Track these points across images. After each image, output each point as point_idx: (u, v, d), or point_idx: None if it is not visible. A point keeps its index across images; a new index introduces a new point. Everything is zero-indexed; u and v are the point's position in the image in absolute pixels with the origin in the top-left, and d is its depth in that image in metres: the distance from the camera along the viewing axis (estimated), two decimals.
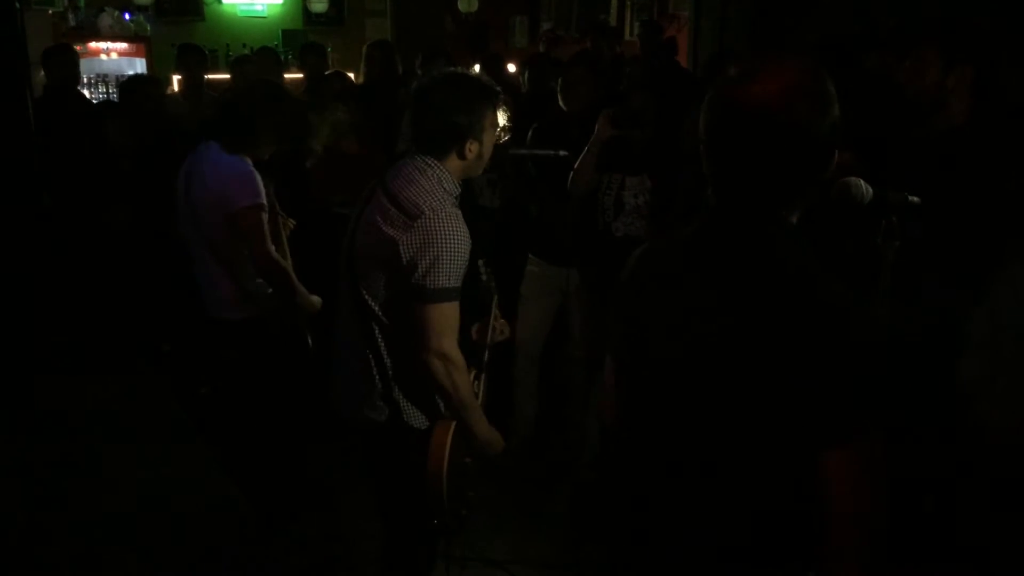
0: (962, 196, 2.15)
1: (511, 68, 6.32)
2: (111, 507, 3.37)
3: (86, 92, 6.20)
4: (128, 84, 4.56)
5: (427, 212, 2.07)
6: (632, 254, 1.49)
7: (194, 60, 5.47)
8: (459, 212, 2.15)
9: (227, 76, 6.59)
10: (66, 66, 4.81)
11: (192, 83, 5.47)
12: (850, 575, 1.21)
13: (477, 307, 2.55)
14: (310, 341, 3.25)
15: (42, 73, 4.92)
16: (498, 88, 2.23)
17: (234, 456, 3.33)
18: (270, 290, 3.05)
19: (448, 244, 2.05)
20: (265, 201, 2.93)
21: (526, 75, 4.97)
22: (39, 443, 3.72)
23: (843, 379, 1.17)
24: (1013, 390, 2.06)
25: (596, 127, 3.25)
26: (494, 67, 5.62)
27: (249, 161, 2.96)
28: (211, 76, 6.74)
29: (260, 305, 3.06)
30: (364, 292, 2.18)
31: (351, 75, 6.45)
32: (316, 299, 3.14)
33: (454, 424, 2.21)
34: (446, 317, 2.09)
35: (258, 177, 2.93)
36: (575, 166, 3.31)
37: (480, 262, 2.48)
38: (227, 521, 3.35)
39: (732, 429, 1.25)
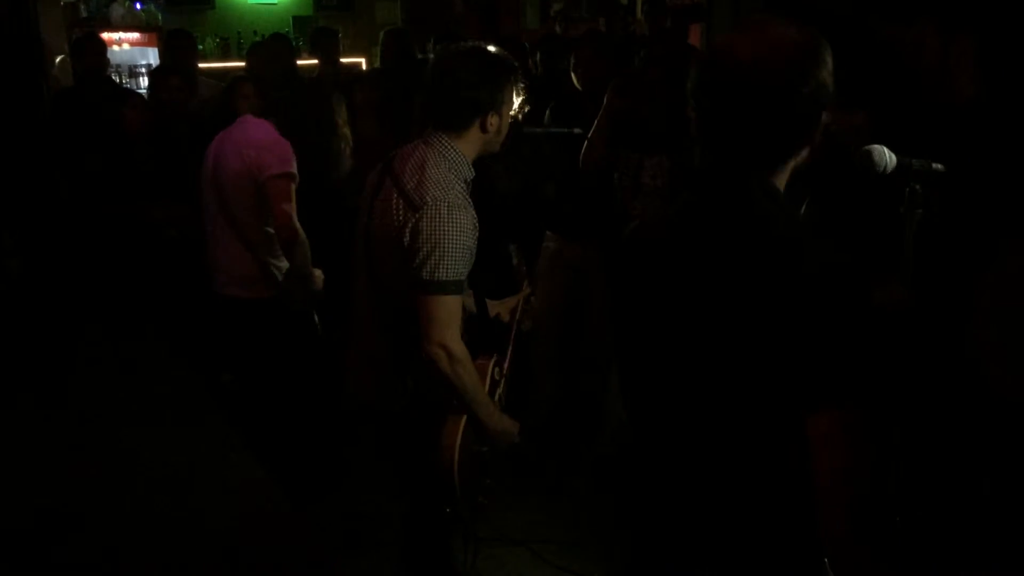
0: (973, 171, 2.14)
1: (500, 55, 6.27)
2: (127, 491, 3.40)
3: None
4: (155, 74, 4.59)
5: (429, 203, 2.05)
6: (626, 235, 1.49)
7: (182, 45, 5.36)
8: (466, 202, 2.12)
9: (239, 64, 6.61)
10: (91, 55, 4.83)
11: (184, 70, 5.39)
12: (840, 539, 1.21)
13: (508, 290, 2.55)
14: (317, 321, 3.28)
15: (57, 62, 4.96)
16: (516, 62, 2.22)
17: (257, 436, 3.36)
18: (285, 269, 3.08)
19: (448, 237, 2.04)
20: (295, 172, 2.97)
21: (538, 56, 4.95)
22: (49, 428, 3.75)
23: (828, 342, 1.17)
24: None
25: (604, 99, 3.26)
26: (512, 49, 5.58)
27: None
28: (224, 64, 6.78)
29: (276, 285, 3.09)
30: (380, 278, 2.18)
31: (362, 60, 6.46)
32: (318, 272, 3.16)
33: (465, 416, 2.20)
34: (446, 310, 2.07)
35: (290, 148, 2.99)
36: (588, 138, 3.32)
37: (512, 246, 2.47)
38: (247, 503, 3.38)
39: (725, 397, 1.26)
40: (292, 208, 2.95)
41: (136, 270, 4.04)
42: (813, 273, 1.19)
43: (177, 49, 5.26)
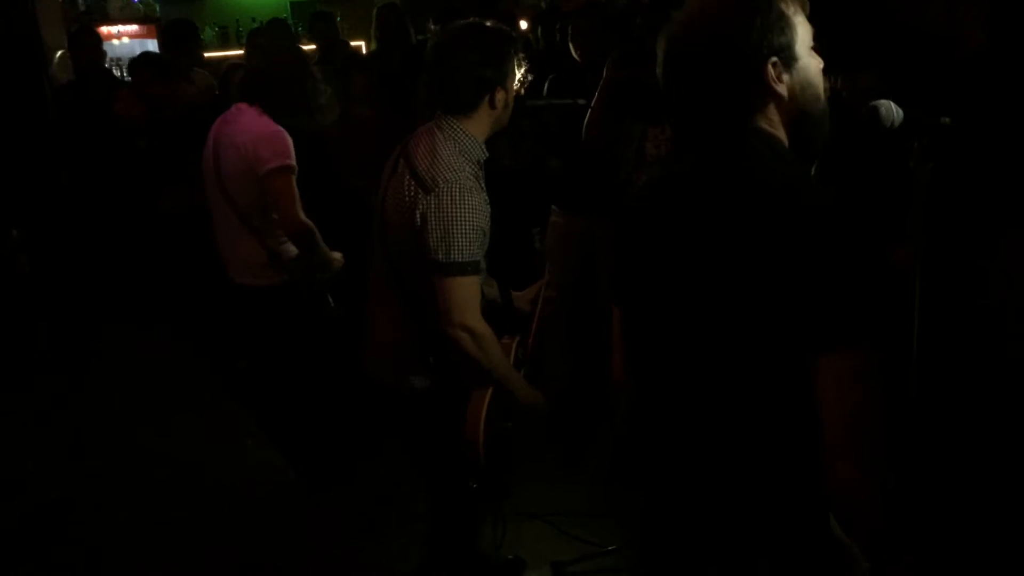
0: (985, 121, 2.11)
1: (523, 25, 6.25)
2: (144, 478, 3.43)
3: None
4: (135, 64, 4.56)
5: (440, 184, 2.05)
6: (625, 199, 1.50)
7: (183, 34, 5.36)
8: (477, 184, 2.12)
9: (239, 52, 6.60)
10: (87, 48, 4.84)
11: (183, 60, 5.36)
12: (850, 487, 1.21)
13: (529, 273, 2.54)
14: (332, 303, 3.27)
15: (56, 57, 4.95)
16: (515, 34, 2.20)
17: (275, 421, 3.38)
18: (294, 255, 3.07)
19: (460, 217, 2.03)
20: (294, 162, 2.94)
21: (538, 31, 4.92)
22: (65, 418, 3.77)
23: (840, 280, 1.17)
24: None
25: (604, 69, 3.23)
26: (508, 25, 5.56)
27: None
28: (224, 53, 6.75)
29: (287, 270, 3.08)
30: (398, 260, 2.18)
31: (361, 43, 6.43)
32: (338, 255, 3.16)
33: (490, 391, 2.20)
34: (464, 290, 2.07)
35: (289, 139, 2.95)
36: (590, 108, 3.29)
37: (534, 231, 2.46)
38: (265, 489, 3.40)
39: (734, 348, 1.26)
40: (294, 200, 2.93)
41: (146, 261, 4.06)
42: (821, 213, 1.19)
43: (179, 39, 5.23)
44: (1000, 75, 2.19)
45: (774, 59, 1.26)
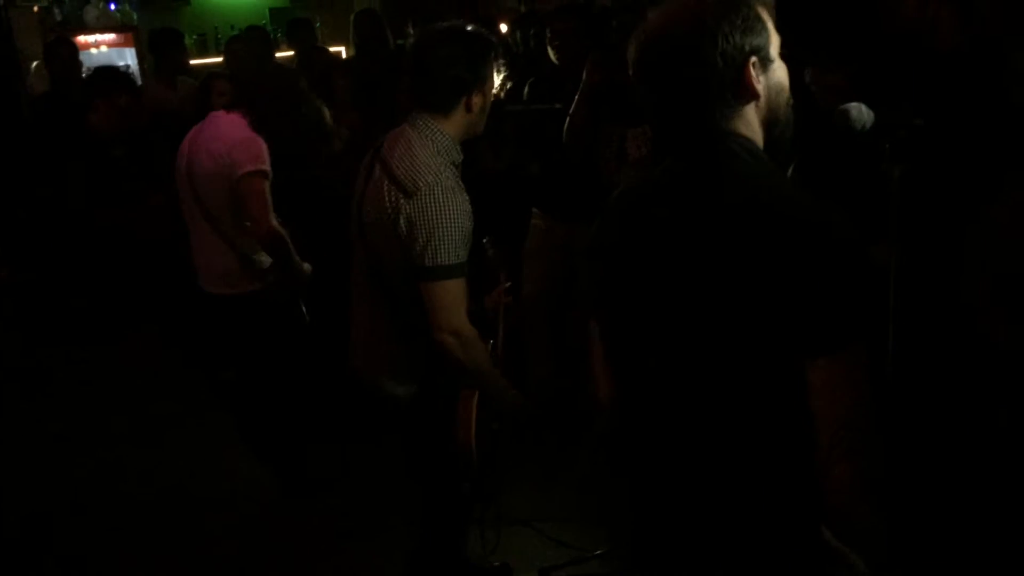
0: (955, 122, 2.12)
1: (503, 28, 6.25)
2: (126, 491, 3.40)
3: None
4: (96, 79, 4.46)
5: (423, 187, 2.04)
6: (601, 210, 1.49)
7: (167, 42, 5.37)
8: (458, 184, 2.11)
9: (218, 59, 6.56)
10: (63, 58, 4.80)
11: (170, 67, 5.39)
12: (844, 491, 1.20)
13: (484, 283, 2.54)
14: (305, 312, 3.27)
15: (33, 67, 4.93)
16: (495, 38, 2.20)
17: (255, 430, 3.36)
18: (267, 263, 3.05)
19: (445, 220, 2.02)
20: (268, 168, 2.92)
21: (517, 35, 4.91)
22: (47, 433, 3.74)
23: (823, 287, 1.16)
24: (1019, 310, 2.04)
25: (584, 72, 3.23)
26: (488, 29, 5.56)
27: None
28: (203, 60, 6.71)
29: (259, 279, 3.07)
30: (379, 267, 2.17)
31: (341, 48, 6.42)
32: (307, 266, 3.14)
33: (477, 393, 2.20)
34: (452, 293, 2.06)
35: (264, 145, 2.93)
36: (569, 114, 3.29)
37: (485, 240, 2.46)
38: (248, 499, 3.38)
39: (720, 353, 1.25)
40: (267, 206, 2.91)
41: (125, 275, 4.03)
42: (806, 219, 1.19)
43: (165, 47, 5.29)
44: (973, 73, 2.20)
45: (754, 59, 1.27)
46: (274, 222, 2.94)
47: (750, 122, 1.32)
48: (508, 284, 2.55)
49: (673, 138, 1.34)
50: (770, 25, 1.30)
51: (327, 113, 3.19)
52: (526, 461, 3.41)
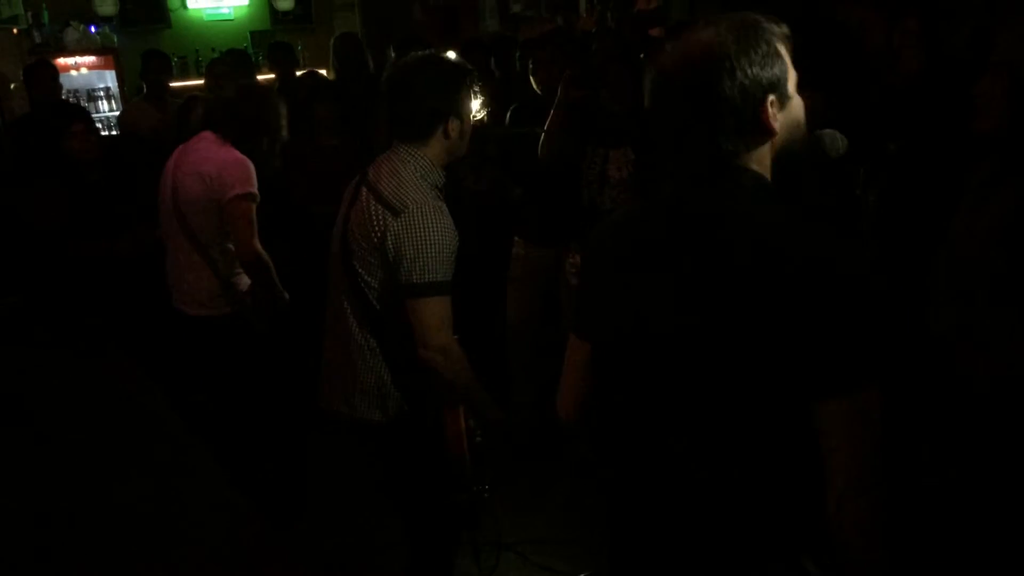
0: (921, 146, 2.16)
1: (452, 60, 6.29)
2: (102, 522, 3.35)
3: None
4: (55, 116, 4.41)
5: (410, 206, 2.07)
6: (595, 230, 1.48)
7: (158, 66, 5.45)
8: (443, 205, 2.13)
9: (199, 82, 6.56)
10: (43, 81, 4.80)
11: (158, 89, 5.44)
12: (860, 523, 1.20)
13: None
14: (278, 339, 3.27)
15: (12, 89, 4.91)
16: (470, 66, 2.22)
17: (233, 456, 3.33)
18: (246, 286, 3.05)
19: (432, 238, 2.05)
20: (256, 191, 2.94)
21: (492, 61, 4.95)
22: (28, 462, 3.67)
23: (837, 326, 1.16)
24: (993, 337, 2.06)
25: (559, 89, 3.28)
26: (474, 54, 5.59)
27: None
28: (183, 83, 6.71)
29: (237, 301, 3.07)
30: (365, 289, 2.17)
31: (323, 71, 6.43)
32: (285, 294, 3.16)
33: (462, 408, 2.22)
34: (438, 310, 2.08)
35: (253, 168, 2.95)
36: (545, 130, 3.34)
37: None
38: (227, 527, 3.33)
39: (727, 391, 1.25)
40: (253, 229, 2.93)
41: (101, 299, 3.98)
42: (821, 258, 1.19)
43: (154, 72, 5.40)
44: (937, 96, 2.25)
45: (771, 97, 1.26)
46: (259, 245, 2.95)
47: (763, 156, 1.31)
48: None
49: (683, 167, 1.33)
50: (788, 60, 1.30)
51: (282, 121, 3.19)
52: (509, 484, 3.39)
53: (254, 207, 2.94)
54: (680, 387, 1.30)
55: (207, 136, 3.04)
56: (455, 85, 2.15)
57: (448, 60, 2.22)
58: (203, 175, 2.94)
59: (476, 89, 2.21)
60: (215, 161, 2.95)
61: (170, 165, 3.09)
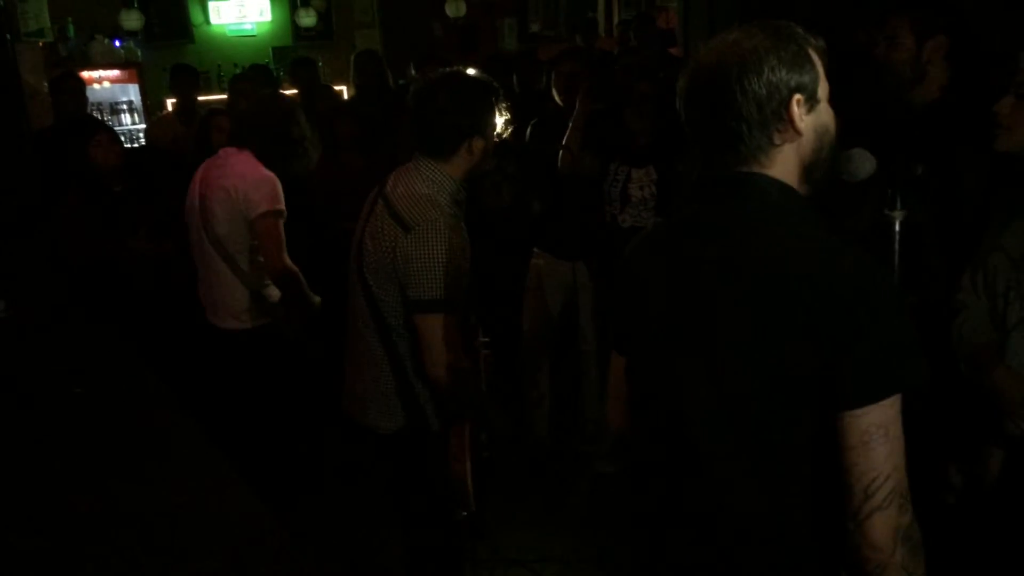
0: (948, 168, 2.15)
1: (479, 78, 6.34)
2: (119, 530, 3.34)
3: None
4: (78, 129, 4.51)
5: (421, 223, 2.07)
6: (630, 243, 1.49)
7: (187, 80, 5.53)
8: (456, 223, 2.13)
9: (220, 96, 6.63)
10: (70, 93, 4.86)
11: (186, 103, 5.52)
12: (874, 539, 1.19)
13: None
14: (311, 345, 3.29)
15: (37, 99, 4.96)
16: (496, 83, 2.23)
17: (254, 469, 3.34)
18: (276, 297, 3.08)
19: (439, 256, 2.05)
20: (284, 207, 2.98)
21: (514, 78, 4.98)
22: (38, 470, 3.68)
23: (862, 337, 1.16)
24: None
25: (577, 102, 3.30)
26: (494, 70, 5.64)
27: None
28: (204, 97, 6.78)
29: (268, 313, 3.10)
30: (377, 301, 2.18)
31: (343, 88, 6.49)
32: (316, 298, 3.18)
33: (468, 425, 2.21)
34: (442, 328, 2.08)
35: (279, 185, 2.99)
36: (563, 143, 3.36)
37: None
38: (245, 538, 3.33)
39: (753, 404, 1.24)
40: (280, 245, 2.97)
41: (122, 306, 4.01)
42: (846, 270, 1.19)
43: (183, 85, 5.53)
44: (963, 117, 2.25)
45: (798, 96, 1.26)
46: (287, 259, 2.99)
47: (788, 161, 1.30)
48: (486, 340, 2.55)
49: (710, 175, 1.34)
50: (820, 67, 1.30)
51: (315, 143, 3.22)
52: (520, 499, 3.38)
53: (281, 223, 2.98)
54: (712, 398, 1.29)
55: (232, 151, 3.09)
56: (481, 103, 2.16)
57: (475, 77, 2.21)
58: (229, 189, 2.98)
59: (502, 107, 2.21)
60: (242, 178, 2.99)
61: (196, 179, 3.13)
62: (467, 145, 2.14)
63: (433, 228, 2.06)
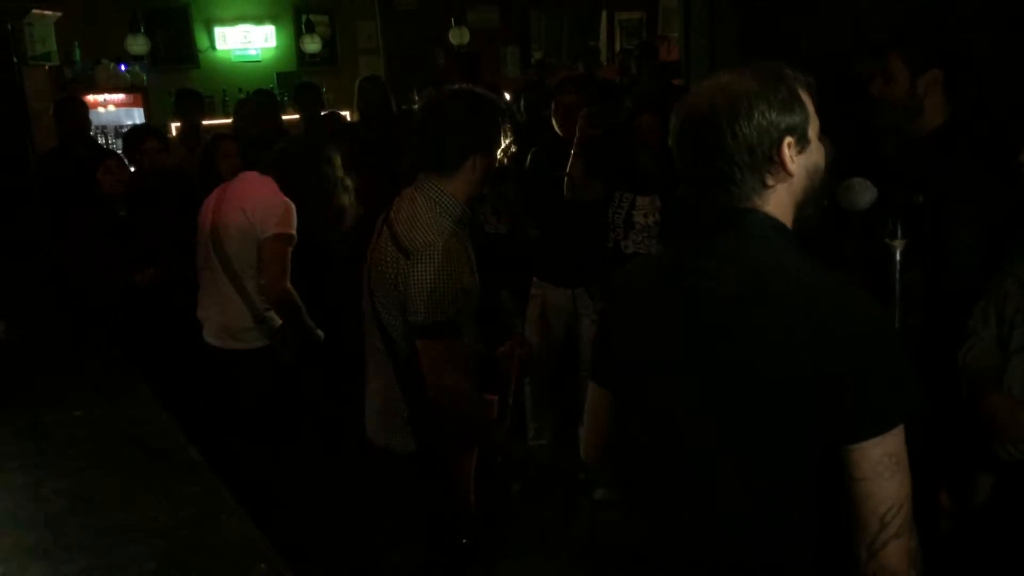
0: (947, 199, 2.16)
1: (506, 97, 6.40)
2: (116, 558, 3.32)
3: None
4: (131, 135, 4.66)
5: (421, 247, 2.07)
6: (616, 275, 1.49)
7: (192, 105, 5.57)
8: (459, 244, 2.12)
9: (225, 121, 6.68)
10: (73, 116, 4.90)
11: (190, 127, 5.55)
12: (889, 568, 1.19)
13: (501, 337, 2.55)
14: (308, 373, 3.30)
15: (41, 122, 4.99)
16: (504, 105, 2.24)
17: (251, 490, 3.32)
18: (279, 322, 3.09)
19: (439, 280, 2.05)
20: (294, 233, 3.02)
21: (521, 103, 5.02)
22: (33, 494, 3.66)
23: (872, 370, 1.17)
24: None
25: (576, 128, 3.33)
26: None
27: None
28: (209, 121, 6.83)
29: (269, 336, 3.12)
30: (387, 326, 2.18)
31: (346, 113, 6.54)
32: (319, 332, 3.20)
33: (476, 451, 2.20)
34: (443, 352, 2.08)
35: (292, 209, 3.04)
36: (567, 171, 3.38)
37: (503, 292, 2.47)
38: (242, 565, 3.30)
39: (754, 439, 1.25)
40: (283, 269, 2.99)
41: (123, 327, 4.01)
42: (844, 307, 1.21)
43: (188, 110, 5.58)
44: (963, 148, 2.26)
45: (789, 139, 1.27)
46: (288, 285, 3.01)
47: (781, 201, 1.31)
48: (520, 334, 2.54)
49: (704, 213, 1.34)
50: (810, 106, 1.31)
51: (348, 184, 3.27)
52: (522, 525, 3.36)
53: (289, 249, 3.02)
54: (706, 434, 1.29)
55: (254, 175, 3.16)
56: (489, 121, 2.16)
57: (484, 95, 2.20)
58: (247, 210, 3.04)
59: (507, 129, 2.22)
60: (257, 199, 3.05)
61: (211, 200, 3.19)
62: (472, 162, 2.13)
63: (430, 253, 2.06)
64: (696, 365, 1.29)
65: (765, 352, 1.22)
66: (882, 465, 1.18)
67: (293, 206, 3.04)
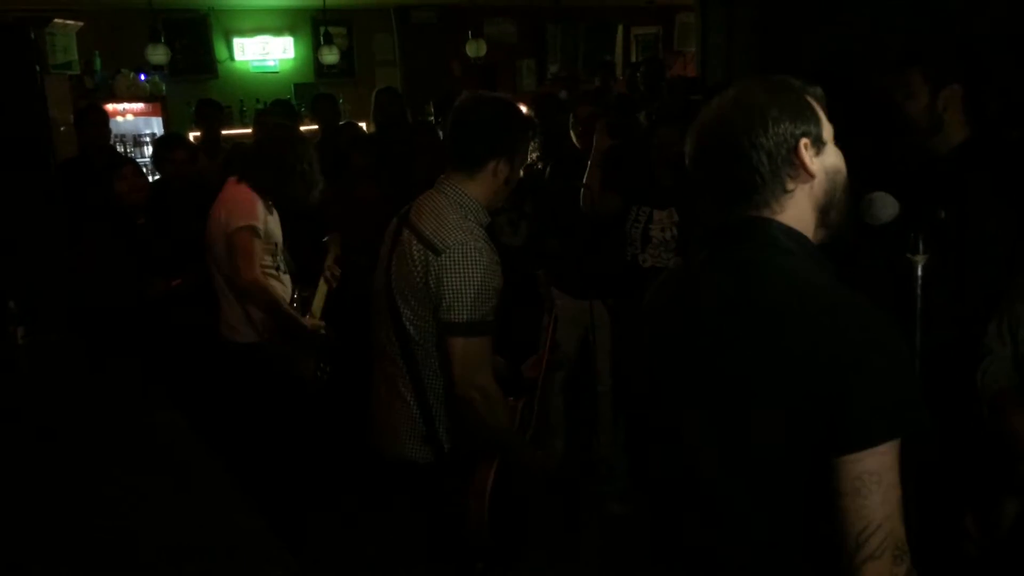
0: (968, 215, 2.16)
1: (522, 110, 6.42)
2: (128, 559, 3.33)
3: None
4: (160, 144, 4.77)
5: (452, 245, 2.07)
6: (647, 293, 1.50)
7: (212, 114, 5.62)
8: (488, 244, 2.12)
9: (242, 131, 6.73)
10: (94, 125, 4.96)
11: (210, 137, 5.60)
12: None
13: (537, 319, 2.55)
14: (320, 372, 3.38)
15: (61, 131, 5.04)
16: (536, 121, 2.26)
17: (263, 496, 3.33)
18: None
19: (474, 276, 2.04)
20: (259, 225, 3.11)
21: (535, 116, 5.03)
22: (47, 496, 3.67)
23: (860, 384, 1.16)
24: None
25: (594, 138, 3.34)
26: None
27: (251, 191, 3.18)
28: (228, 131, 6.89)
29: (258, 332, 3.23)
30: (406, 329, 2.17)
31: (363, 124, 6.58)
32: (318, 322, 3.33)
33: (496, 464, 2.18)
34: (476, 351, 2.07)
35: (258, 202, 3.14)
36: (584, 183, 3.39)
37: (540, 272, 2.46)
38: (255, 567, 3.30)
39: (760, 449, 1.25)
40: (251, 259, 3.09)
41: (141, 333, 4.03)
42: (848, 318, 1.20)
43: (209, 119, 5.64)
44: (985, 163, 2.25)
45: (805, 140, 1.29)
46: (255, 273, 3.10)
47: (800, 207, 1.32)
48: (550, 342, 2.53)
49: (722, 225, 1.35)
50: (821, 113, 1.33)
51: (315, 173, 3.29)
52: (535, 539, 3.34)
53: (255, 240, 3.10)
54: (714, 443, 1.30)
55: (232, 181, 3.27)
56: (519, 129, 2.19)
57: (517, 106, 2.26)
58: (217, 217, 3.19)
59: (533, 144, 2.24)
60: (225, 202, 3.19)
61: (211, 210, 3.30)
62: (494, 165, 2.15)
63: (463, 249, 2.06)
64: (708, 373, 1.30)
65: (770, 360, 1.22)
66: (860, 482, 1.16)
67: (259, 200, 3.15)
